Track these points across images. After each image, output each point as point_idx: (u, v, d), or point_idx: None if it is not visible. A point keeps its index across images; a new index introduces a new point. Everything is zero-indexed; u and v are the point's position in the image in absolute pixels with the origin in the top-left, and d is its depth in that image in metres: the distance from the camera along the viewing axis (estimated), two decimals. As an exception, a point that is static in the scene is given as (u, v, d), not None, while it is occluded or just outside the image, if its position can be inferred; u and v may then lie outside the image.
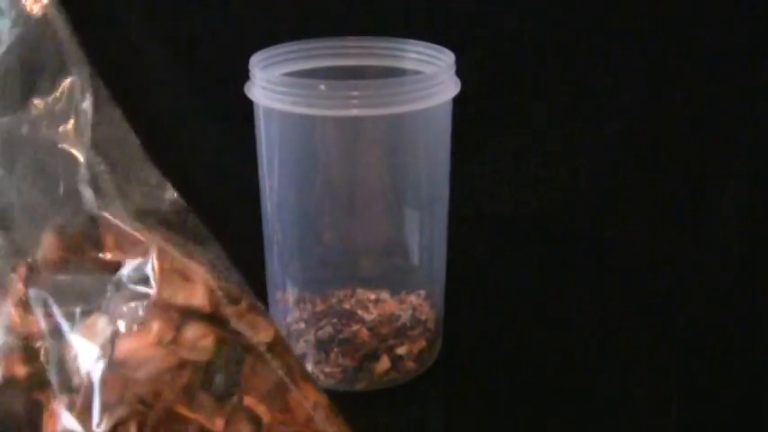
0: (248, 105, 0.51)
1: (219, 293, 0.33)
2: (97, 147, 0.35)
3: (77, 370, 0.31)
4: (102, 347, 0.31)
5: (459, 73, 0.51)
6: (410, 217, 0.54)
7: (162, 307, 0.32)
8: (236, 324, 0.33)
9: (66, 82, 0.34)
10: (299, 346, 0.53)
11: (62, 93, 0.34)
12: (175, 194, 0.36)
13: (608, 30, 0.70)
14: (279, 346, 0.34)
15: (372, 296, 0.55)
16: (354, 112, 0.47)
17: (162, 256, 0.33)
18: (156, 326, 0.31)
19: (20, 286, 0.32)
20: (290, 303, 0.54)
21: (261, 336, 0.33)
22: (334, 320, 0.53)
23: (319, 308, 0.54)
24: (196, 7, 0.72)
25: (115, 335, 0.31)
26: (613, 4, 0.69)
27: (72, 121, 0.34)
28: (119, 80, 0.73)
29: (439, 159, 0.52)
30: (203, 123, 0.73)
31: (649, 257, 0.68)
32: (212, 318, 0.32)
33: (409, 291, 0.55)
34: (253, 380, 0.32)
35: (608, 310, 0.62)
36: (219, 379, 0.32)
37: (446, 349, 0.56)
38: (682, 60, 0.69)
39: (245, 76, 0.50)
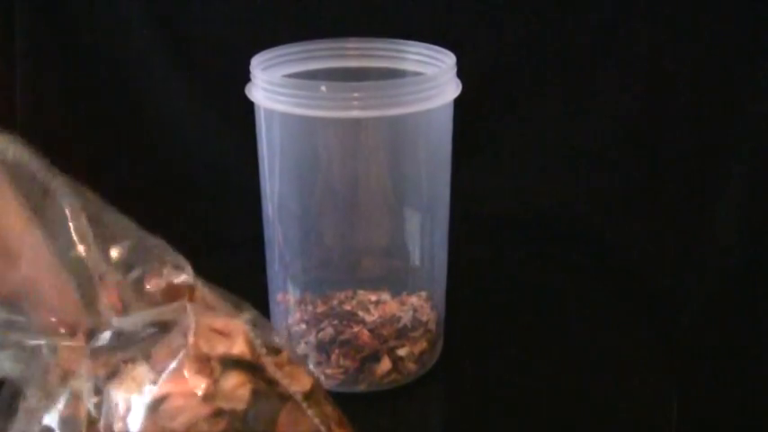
0: (249, 107, 0.51)
1: (258, 342, 0.34)
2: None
3: (119, 417, 0.31)
4: (142, 396, 0.31)
5: (459, 74, 0.51)
6: (411, 218, 0.54)
7: (200, 357, 0.32)
8: (274, 373, 0.33)
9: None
10: (300, 348, 0.53)
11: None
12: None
13: (608, 30, 0.70)
14: (316, 395, 0.34)
15: (373, 297, 0.55)
16: (355, 113, 0.47)
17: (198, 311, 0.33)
18: (193, 375, 0.32)
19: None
20: (291, 305, 0.54)
21: (298, 385, 0.34)
22: (336, 322, 0.53)
23: (320, 309, 0.54)
24: (197, 8, 0.72)
25: (155, 384, 0.32)
26: (613, 5, 0.69)
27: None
28: (119, 81, 0.74)
29: (440, 160, 0.52)
30: (204, 125, 0.73)
31: (650, 258, 0.68)
32: (250, 366, 0.33)
33: (410, 292, 0.55)
34: (288, 428, 0.33)
35: (608, 310, 0.62)
36: (255, 427, 0.32)
37: (447, 350, 0.56)
38: (682, 60, 0.69)
39: (245, 77, 0.50)
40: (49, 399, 0.32)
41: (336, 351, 0.52)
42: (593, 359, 0.57)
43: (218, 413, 0.31)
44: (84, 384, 0.32)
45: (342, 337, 0.52)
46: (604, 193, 0.72)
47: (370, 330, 0.52)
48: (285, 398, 0.33)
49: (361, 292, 0.55)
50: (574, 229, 0.72)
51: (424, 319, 0.54)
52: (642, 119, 0.71)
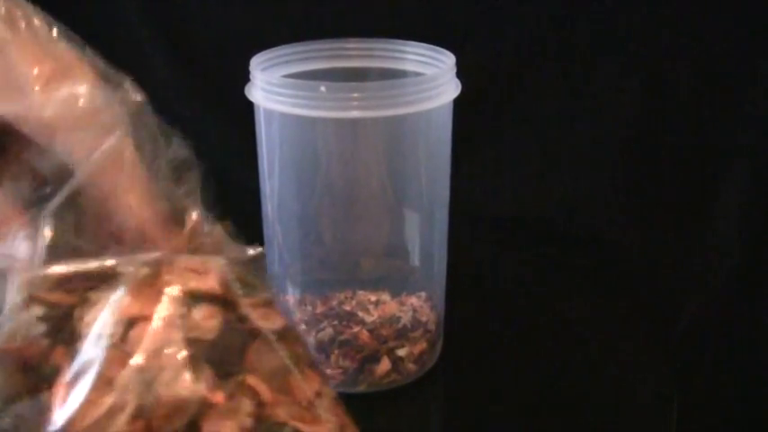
0: (249, 107, 0.51)
1: (233, 279, 0.34)
2: None
3: (83, 338, 0.32)
4: (113, 325, 0.32)
5: (459, 74, 0.51)
6: (410, 219, 0.54)
7: (169, 290, 0.33)
8: (246, 310, 0.34)
9: None
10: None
11: None
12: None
13: (608, 30, 0.70)
14: (289, 335, 0.35)
15: (373, 298, 0.55)
16: (355, 113, 0.47)
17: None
18: (161, 306, 0.32)
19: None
20: (290, 305, 0.54)
21: (270, 323, 0.34)
22: (335, 322, 0.53)
23: (320, 309, 0.54)
24: (196, 8, 0.72)
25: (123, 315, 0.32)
26: (613, 5, 0.69)
27: None
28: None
29: (439, 161, 0.52)
30: (204, 125, 0.73)
31: (650, 258, 0.68)
32: (223, 302, 0.34)
33: (410, 292, 0.55)
34: (257, 362, 0.33)
35: (608, 311, 0.62)
36: (223, 357, 0.32)
37: (447, 351, 0.56)
38: (682, 60, 0.69)
39: (245, 77, 0.50)
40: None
41: (336, 351, 0.52)
42: (593, 359, 0.57)
43: (185, 342, 0.32)
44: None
45: (341, 338, 0.52)
46: (604, 193, 0.72)
47: (370, 331, 0.52)
48: (255, 334, 0.33)
49: (360, 293, 0.55)
50: (574, 229, 0.72)
51: (424, 319, 0.54)
52: (642, 119, 0.71)
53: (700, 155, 0.70)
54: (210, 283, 0.34)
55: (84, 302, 0.33)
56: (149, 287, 0.33)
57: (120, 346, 0.31)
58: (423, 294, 0.55)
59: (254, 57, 0.51)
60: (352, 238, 0.54)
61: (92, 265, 0.33)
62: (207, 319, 0.33)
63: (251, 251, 0.37)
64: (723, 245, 0.68)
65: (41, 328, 0.32)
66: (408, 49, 0.53)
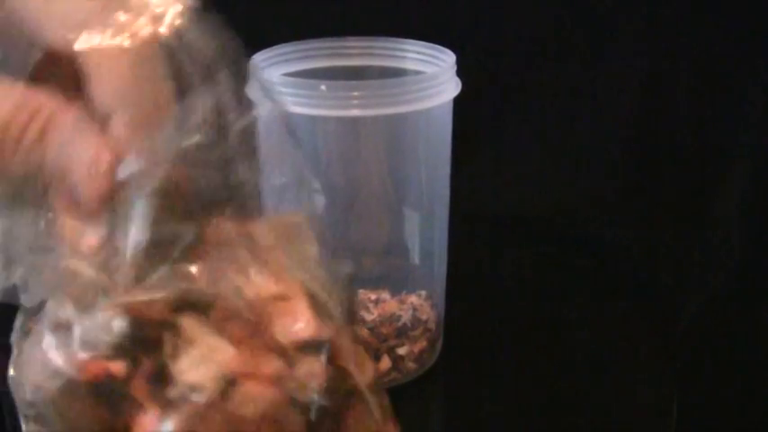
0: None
1: (329, 315, 0.32)
2: None
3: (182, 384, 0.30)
4: (213, 380, 0.30)
5: (459, 73, 0.51)
6: (410, 217, 0.54)
7: (270, 338, 0.31)
8: (346, 358, 0.32)
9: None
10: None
11: None
12: None
13: (608, 30, 0.70)
14: (378, 385, 0.34)
15: (373, 296, 0.54)
16: (355, 112, 0.47)
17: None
18: (265, 356, 0.30)
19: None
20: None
21: (365, 375, 0.33)
22: (335, 321, 0.53)
23: (320, 308, 0.54)
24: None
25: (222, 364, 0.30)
26: (613, 5, 0.69)
27: None
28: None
29: (439, 159, 0.52)
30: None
31: (650, 258, 0.68)
32: (319, 347, 0.32)
33: (410, 291, 0.55)
34: (354, 426, 0.32)
35: (608, 311, 0.62)
36: (324, 422, 0.31)
37: (447, 349, 0.56)
38: (682, 60, 0.69)
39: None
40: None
41: (336, 350, 0.52)
42: (593, 359, 0.57)
43: (292, 403, 0.30)
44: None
45: (341, 337, 0.52)
46: (604, 192, 0.72)
47: (370, 329, 0.52)
48: (354, 393, 0.32)
49: (360, 291, 0.55)
50: (574, 228, 0.72)
51: (424, 318, 0.54)
52: (642, 119, 0.71)
53: (700, 155, 0.70)
54: (310, 331, 0.31)
55: (176, 333, 0.30)
56: (251, 334, 0.31)
57: (220, 406, 0.29)
58: (423, 293, 0.55)
59: (254, 55, 0.51)
60: (352, 236, 0.54)
61: (191, 287, 0.31)
62: (312, 377, 0.31)
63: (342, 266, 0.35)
64: (723, 245, 0.68)
65: (125, 345, 0.30)
66: (408, 47, 0.53)
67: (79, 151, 0.30)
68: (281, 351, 0.31)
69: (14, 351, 0.31)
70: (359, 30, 0.54)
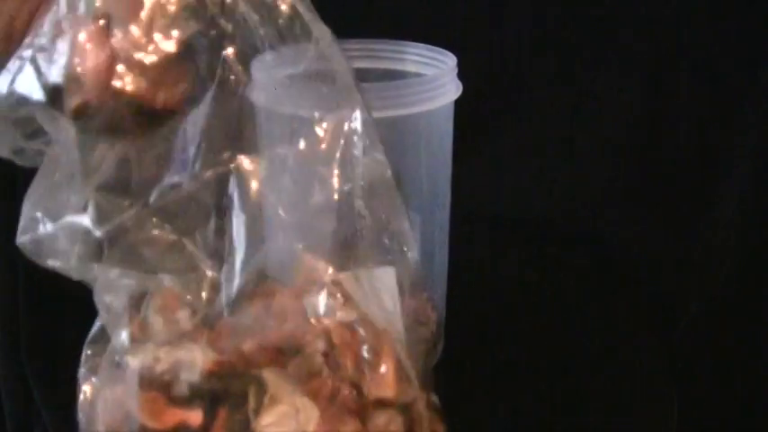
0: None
1: (411, 374, 0.33)
2: None
3: None
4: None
5: (460, 75, 0.51)
6: (411, 219, 0.54)
7: (350, 395, 0.31)
8: (419, 428, 0.32)
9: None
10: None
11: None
12: None
13: (608, 30, 0.70)
14: None
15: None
16: (356, 114, 0.47)
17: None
18: (345, 416, 0.30)
19: None
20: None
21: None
22: (336, 322, 0.53)
23: (321, 310, 0.54)
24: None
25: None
26: (613, 5, 0.69)
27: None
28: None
29: (440, 162, 0.52)
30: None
31: (649, 258, 0.68)
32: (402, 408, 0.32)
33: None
34: None
35: (608, 311, 0.62)
36: None
37: (447, 351, 0.56)
38: (682, 60, 0.69)
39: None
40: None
41: (337, 352, 0.52)
42: (593, 359, 0.57)
43: None
44: None
45: (342, 338, 0.52)
46: (604, 193, 0.72)
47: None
48: None
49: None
50: (574, 229, 0.71)
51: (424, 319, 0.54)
52: (642, 119, 0.71)
53: (700, 155, 0.70)
54: (394, 391, 0.32)
55: (261, 387, 0.30)
56: (333, 392, 0.30)
57: None
58: (423, 295, 0.55)
59: (255, 58, 0.50)
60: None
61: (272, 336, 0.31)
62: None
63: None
64: (723, 245, 0.68)
65: (203, 392, 0.29)
66: (409, 49, 0.53)
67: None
68: (361, 409, 0.31)
69: (82, 389, 0.31)
70: (359, 32, 0.54)
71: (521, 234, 0.72)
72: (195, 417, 0.29)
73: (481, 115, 0.69)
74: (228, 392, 0.30)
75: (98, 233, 0.32)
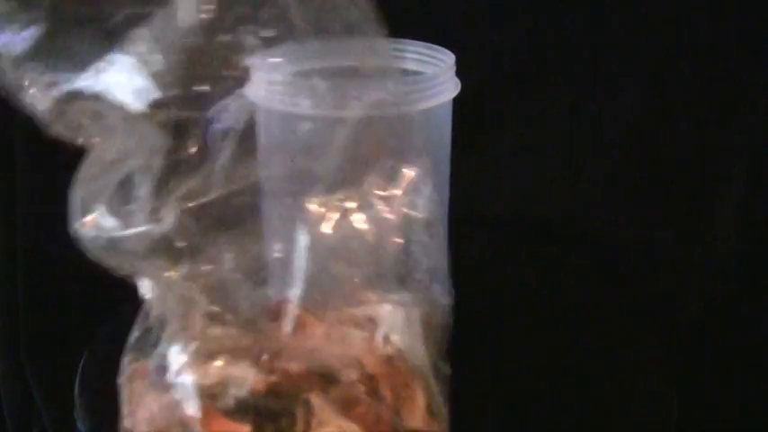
0: (248, 106, 0.51)
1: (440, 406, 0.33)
2: None
3: None
4: None
5: (459, 73, 0.51)
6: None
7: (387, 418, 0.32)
8: None
9: None
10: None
11: None
12: None
13: (608, 30, 0.70)
14: None
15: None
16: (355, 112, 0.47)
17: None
18: None
19: None
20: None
21: None
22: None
23: (320, 309, 0.53)
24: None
25: None
26: (613, 4, 0.69)
27: None
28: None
29: (439, 160, 0.52)
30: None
31: (649, 258, 0.68)
32: None
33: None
34: None
35: (608, 311, 0.62)
36: None
37: (447, 351, 0.56)
38: (682, 60, 0.69)
39: (244, 76, 0.50)
40: None
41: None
42: (594, 360, 0.56)
43: None
44: None
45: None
46: (604, 193, 0.72)
47: (370, 330, 0.52)
48: None
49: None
50: (574, 229, 0.71)
51: (424, 318, 0.54)
52: (642, 119, 0.71)
53: (700, 155, 0.70)
54: (424, 422, 0.32)
55: (309, 410, 0.31)
56: (374, 419, 0.31)
57: None
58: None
59: (254, 56, 0.50)
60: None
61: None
62: None
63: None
64: (723, 245, 0.68)
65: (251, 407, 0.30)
66: (408, 47, 0.53)
67: None
68: None
69: (124, 395, 0.31)
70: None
71: (521, 234, 0.72)
72: (245, 430, 0.30)
73: (481, 115, 0.70)
74: (273, 411, 0.31)
75: (180, 244, 0.33)
